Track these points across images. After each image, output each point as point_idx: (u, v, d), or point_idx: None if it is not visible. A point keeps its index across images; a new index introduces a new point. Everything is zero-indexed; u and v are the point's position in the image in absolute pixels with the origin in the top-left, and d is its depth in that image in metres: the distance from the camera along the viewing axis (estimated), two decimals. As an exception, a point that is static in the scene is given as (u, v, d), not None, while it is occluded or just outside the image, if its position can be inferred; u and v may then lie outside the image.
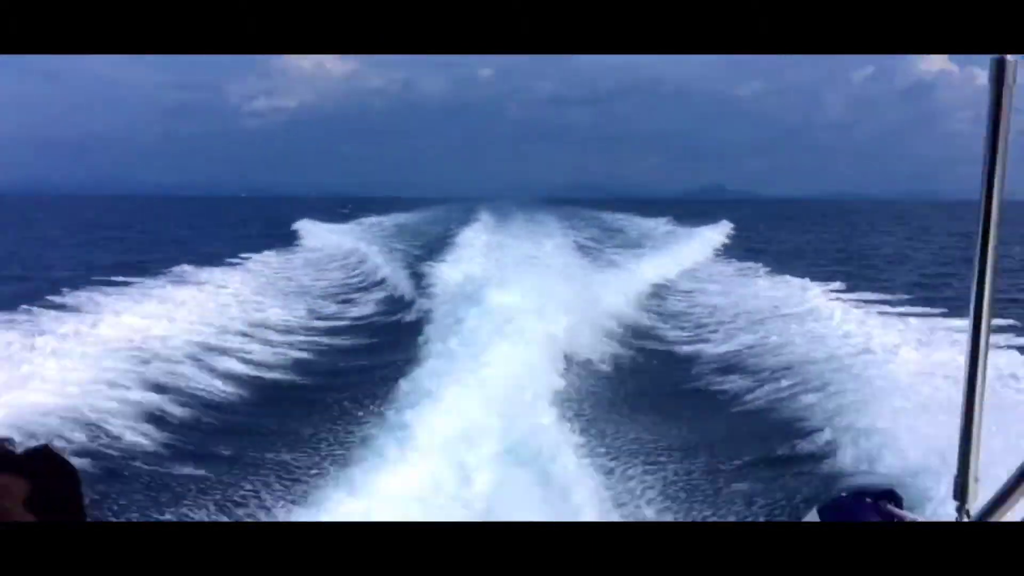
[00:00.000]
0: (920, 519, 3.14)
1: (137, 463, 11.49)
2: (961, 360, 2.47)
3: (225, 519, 9.75)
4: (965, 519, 2.51)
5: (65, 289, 24.74)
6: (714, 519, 9.60)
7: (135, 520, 9.12)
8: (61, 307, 22.02)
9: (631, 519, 9.39)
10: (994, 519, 2.36)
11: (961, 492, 2.53)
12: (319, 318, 23.65)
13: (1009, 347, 14.94)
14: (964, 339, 2.47)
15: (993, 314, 2.44)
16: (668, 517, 9.65)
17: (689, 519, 9.58)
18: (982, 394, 2.49)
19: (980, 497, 2.53)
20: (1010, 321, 17.92)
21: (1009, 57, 2.17)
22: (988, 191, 2.31)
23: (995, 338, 2.68)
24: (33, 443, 2.42)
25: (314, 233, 49.09)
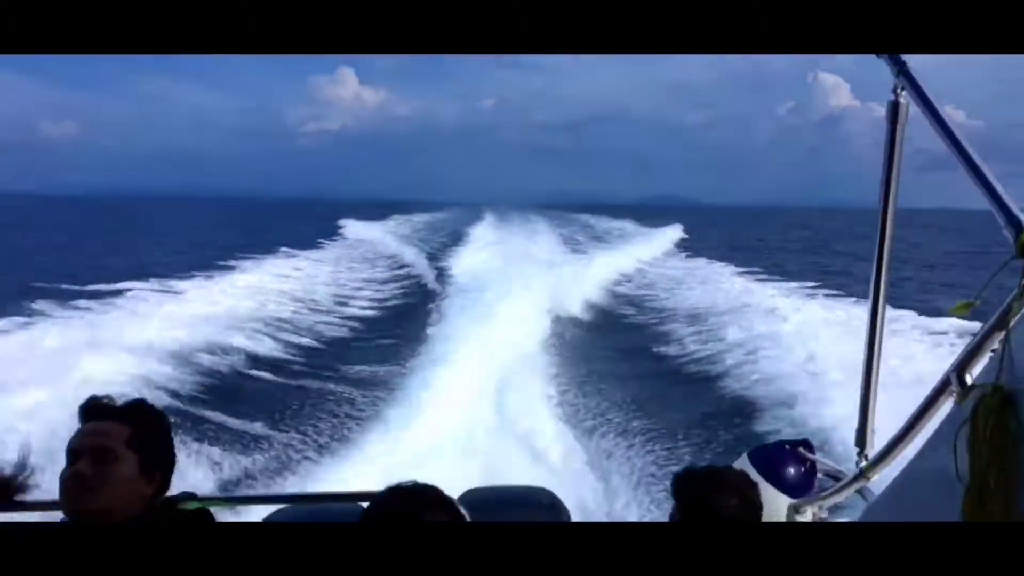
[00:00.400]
0: (828, 467, 3.16)
1: (211, 411, 11.41)
2: (862, 337, 2.52)
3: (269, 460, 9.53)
4: (863, 463, 2.53)
5: (162, 273, 24.91)
6: (667, 466, 9.35)
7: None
8: (154, 284, 22.24)
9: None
10: (886, 462, 2.36)
11: (861, 439, 2.56)
12: (354, 296, 23.40)
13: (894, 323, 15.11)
14: (864, 317, 2.52)
15: (888, 294, 2.51)
16: (632, 471, 9.35)
17: (647, 469, 9.34)
18: (878, 362, 2.54)
19: (876, 444, 2.56)
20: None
21: (901, 99, 2.24)
22: (885, 200, 2.38)
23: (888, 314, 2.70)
24: (130, 397, 2.41)
25: (354, 229, 48.88)
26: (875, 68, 2.26)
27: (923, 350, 13.64)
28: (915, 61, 2.19)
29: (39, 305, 18.01)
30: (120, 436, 2.23)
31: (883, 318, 2.52)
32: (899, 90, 2.27)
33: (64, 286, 21.67)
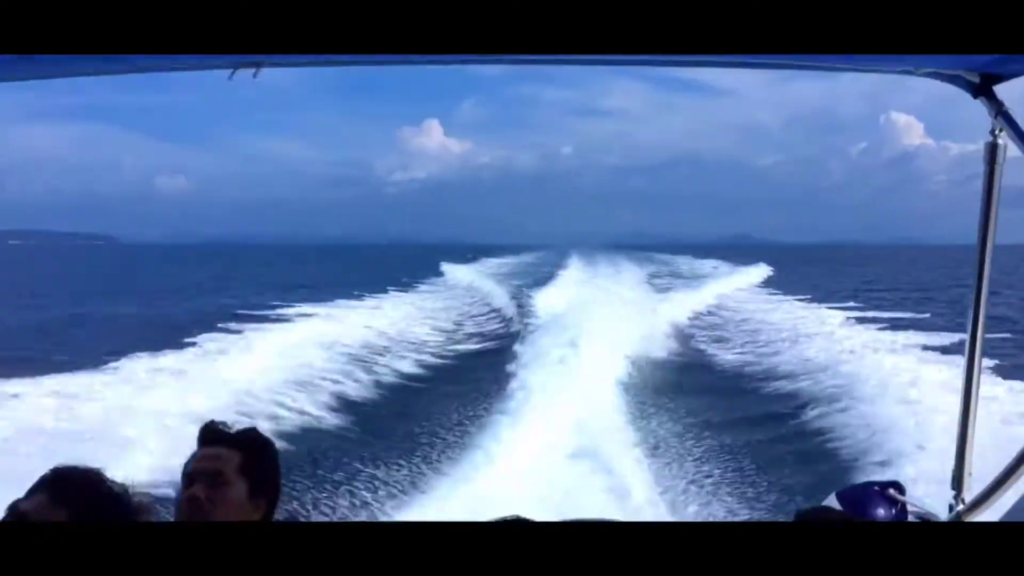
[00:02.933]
0: (919, 509, 2.98)
1: (316, 442, 11.57)
2: (958, 375, 2.42)
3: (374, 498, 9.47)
4: (960, 506, 2.42)
5: (265, 310, 25.84)
6: (744, 512, 8.92)
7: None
8: (260, 319, 23.01)
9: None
10: (984, 506, 2.24)
11: (958, 483, 2.45)
12: (450, 335, 23.57)
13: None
14: (962, 357, 2.42)
15: (985, 334, 2.41)
16: (707, 508, 8.97)
17: (732, 509, 8.95)
18: (975, 402, 2.43)
19: (973, 488, 2.43)
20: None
21: (999, 140, 2.15)
22: (984, 240, 2.30)
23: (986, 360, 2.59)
24: (243, 424, 2.43)
25: (450, 271, 49.43)
26: (951, 106, 2.17)
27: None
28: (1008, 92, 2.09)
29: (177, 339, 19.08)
30: (232, 461, 2.25)
31: (980, 355, 2.41)
32: (998, 131, 2.18)
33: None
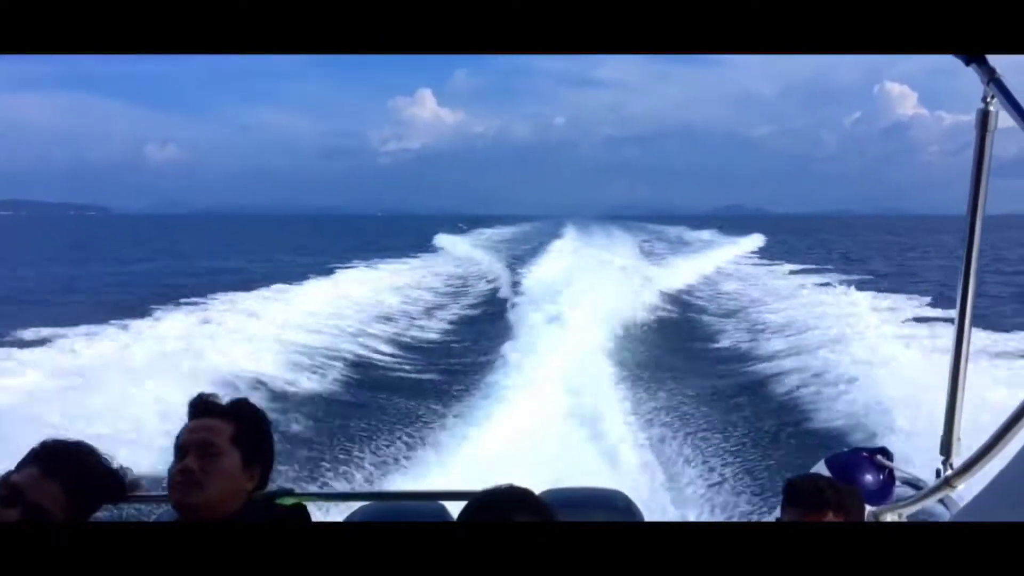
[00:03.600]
0: (907, 475, 3.01)
1: (308, 410, 11.65)
2: (947, 342, 2.44)
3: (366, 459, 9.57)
4: (948, 471, 2.44)
5: (258, 281, 25.81)
6: (741, 472, 9.02)
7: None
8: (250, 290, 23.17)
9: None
10: (972, 471, 2.26)
11: (946, 448, 2.47)
12: (441, 306, 23.59)
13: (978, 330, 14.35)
14: (951, 325, 2.45)
15: (975, 302, 2.41)
16: (704, 476, 9.00)
17: (721, 473, 9.02)
18: (965, 370, 2.45)
19: (961, 453, 2.46)
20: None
21: (991, 108, 2.15)
22: (974, 208, 2.30)
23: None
24: (234, 396, 2.44)
25: (445, 242, 49.23)
26: (945, 76, 2.17)
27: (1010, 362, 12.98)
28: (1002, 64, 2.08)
29: (167, 310, 19.29)
30: (224, 433, 2.25)
31: (970, 325, 2.42)
32: (989, 98, 2.18)
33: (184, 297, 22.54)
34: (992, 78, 2.08)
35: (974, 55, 2.06)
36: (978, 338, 13.12)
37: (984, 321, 15.99)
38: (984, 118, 2.22)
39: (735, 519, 7.71)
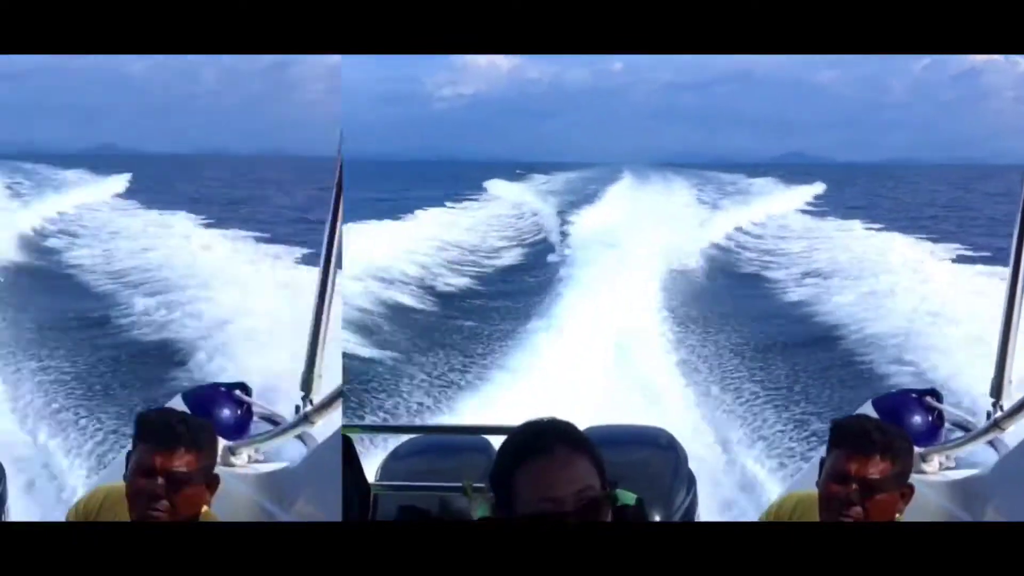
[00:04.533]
0: (957, 415, 2.94)
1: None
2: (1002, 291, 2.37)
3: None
4: (999, 413, 2.39)
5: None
6: (786, 416, 8.97)
7: None
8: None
9: (743, 466, 8.08)
10: (1023, 414, 2.20)
11: (997, 390, 2.41)
12: (493, 252, 23.66)
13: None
14: (1007, 270, 2.37)
15: None
16: (749, 421, 8.94)
17: (766, 418, 8.94)
18: (1019, 313, 2.37)
19: (1012, 396, 2.39)
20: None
21: None
22: None
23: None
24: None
25: (498, 188, 49.12)
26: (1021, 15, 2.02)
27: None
28: None
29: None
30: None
31: None
32: None
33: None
34: None
35: None
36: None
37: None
38: None
39: (783, 459, 7.70)
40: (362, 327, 13.00)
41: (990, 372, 2.51)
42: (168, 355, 11.05)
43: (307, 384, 2.52)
